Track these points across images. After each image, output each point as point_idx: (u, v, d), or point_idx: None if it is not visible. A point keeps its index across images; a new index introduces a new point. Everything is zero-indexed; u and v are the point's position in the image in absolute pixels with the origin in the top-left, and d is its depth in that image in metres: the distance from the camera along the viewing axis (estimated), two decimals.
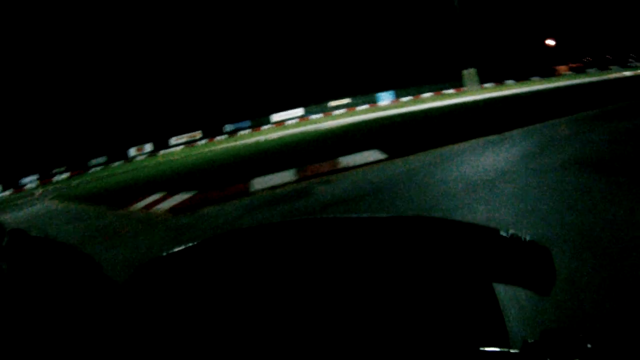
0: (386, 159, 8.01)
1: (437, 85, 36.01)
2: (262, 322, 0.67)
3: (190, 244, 0.76)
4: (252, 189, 7.68)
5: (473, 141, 8.24)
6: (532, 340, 0.51)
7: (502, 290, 0.67)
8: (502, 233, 0.66)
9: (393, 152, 8.35)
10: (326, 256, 0.72)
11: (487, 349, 0.55)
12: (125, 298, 0.68)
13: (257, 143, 22.36)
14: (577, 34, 41.01)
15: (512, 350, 0.53)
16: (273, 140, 22.27)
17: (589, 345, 0.49)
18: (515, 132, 8.44)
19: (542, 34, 39.38)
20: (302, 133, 22.53)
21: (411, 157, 7.84)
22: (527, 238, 0.64)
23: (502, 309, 0.66)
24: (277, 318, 0.67)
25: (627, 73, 26.23)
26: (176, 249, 0.75)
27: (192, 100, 51.46)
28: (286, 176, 8.19)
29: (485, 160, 6.42)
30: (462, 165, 6.44)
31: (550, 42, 38.92)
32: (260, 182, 8.09)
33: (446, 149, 7.97)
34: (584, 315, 2.08)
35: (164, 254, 0.74)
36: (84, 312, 0.58)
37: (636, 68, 31.19)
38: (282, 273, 0.72)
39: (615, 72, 30.09)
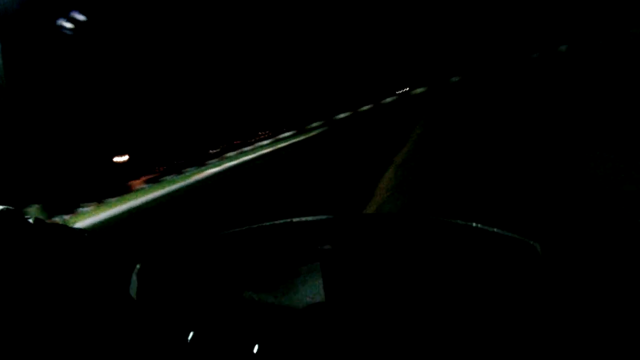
0: None
1: None
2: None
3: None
4: None
5: None
6: None
7: None
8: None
9: None
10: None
11: None
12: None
13: None
14: (149, 146, 41.29)
15: None
16: None
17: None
18: None
19: (111, 151, 37.47)
20: None
21: None
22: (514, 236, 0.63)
23: None
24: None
25: (208, 172, 28.68)
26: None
27: None
28: None
29: None
30: None
31: (122, 158, 37.57)
32: None
33: None
34: None
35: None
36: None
37: (214, 165, 34.17)
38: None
39: (194, 174, 32.34)
